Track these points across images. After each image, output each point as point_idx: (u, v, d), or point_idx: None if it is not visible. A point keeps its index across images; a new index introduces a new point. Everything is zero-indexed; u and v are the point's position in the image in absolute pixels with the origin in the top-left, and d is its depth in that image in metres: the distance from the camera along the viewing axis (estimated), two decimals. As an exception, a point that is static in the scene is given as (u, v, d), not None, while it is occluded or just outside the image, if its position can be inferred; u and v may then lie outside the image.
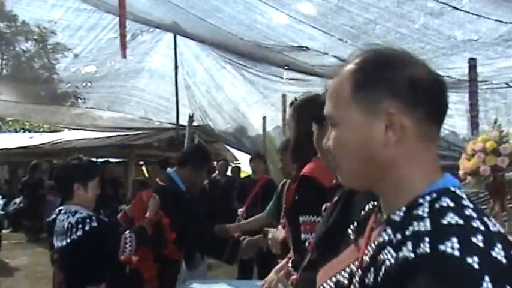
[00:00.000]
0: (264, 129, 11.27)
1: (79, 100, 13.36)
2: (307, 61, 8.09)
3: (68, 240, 3.21)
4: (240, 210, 8.07)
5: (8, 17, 10.46)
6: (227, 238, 4.23)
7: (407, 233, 1.00)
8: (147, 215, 3.72)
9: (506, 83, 7.24)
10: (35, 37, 11.47)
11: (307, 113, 2.01)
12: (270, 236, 3.27)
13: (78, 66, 10.95)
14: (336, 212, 1.79)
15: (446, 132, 8.60)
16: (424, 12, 5.72)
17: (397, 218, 1.06)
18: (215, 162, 13.48)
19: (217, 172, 11.12)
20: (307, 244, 2.03)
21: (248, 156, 11.93)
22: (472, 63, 6.62)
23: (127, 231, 3.52)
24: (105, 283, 3.34)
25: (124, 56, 6.20)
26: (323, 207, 2.01)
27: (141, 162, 18.14)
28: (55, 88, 12.84)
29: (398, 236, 1.03)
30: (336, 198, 1.86)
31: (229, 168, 12.16)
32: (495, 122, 3.87)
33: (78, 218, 3.24)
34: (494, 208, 3.80)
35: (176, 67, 10.84)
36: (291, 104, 2.70)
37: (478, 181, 3.71)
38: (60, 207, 3.45)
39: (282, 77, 9.58)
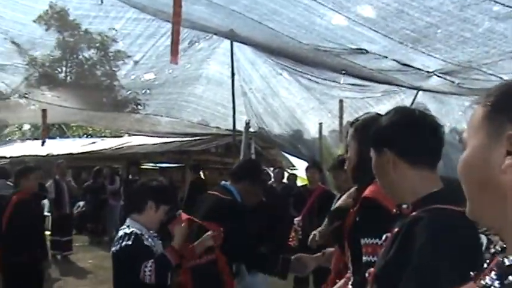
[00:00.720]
0: (320, 136, 11.22)
1: (139, 106, 13.62)
2: (365, 65, 7.99)
3: (113, 250, 3.37)
4: (296, 220, 8.08)
5: (71, 26, 10.79)
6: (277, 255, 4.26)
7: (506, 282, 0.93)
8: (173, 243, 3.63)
9: None
10: (97, 45, 11.78)
11: (369, 134, 2.04)
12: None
13: (137, 73, 11.19)
14: (395, 246, 1.78)
15: None
16: (489, 16, 5.57)
17: (507, 262, 0.99)
18: (271, 169, 13.56)
19: (272, 180, 11.15)
20: (367, 274, 1.99)
21: (304, 163, 11.96)
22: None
23: (150, 260, 3.39)
24: None
25: (175, 62, 6.26)
26: (383, 237, 1.99)
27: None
28: (116, 95, 13.16)
29: (497, 283, 0.96)
30: (396, 229, 1.85)
31: (286, 175, 12.18)
32: None
33: (126, 232, 3.36)
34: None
35: (233, 74, 10.91)
36: (352, 123, 2.74)
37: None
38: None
39: (339, 82, 9.51)
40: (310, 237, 4.24)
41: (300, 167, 14.36)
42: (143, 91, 12.44)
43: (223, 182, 4.45)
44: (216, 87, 12.09)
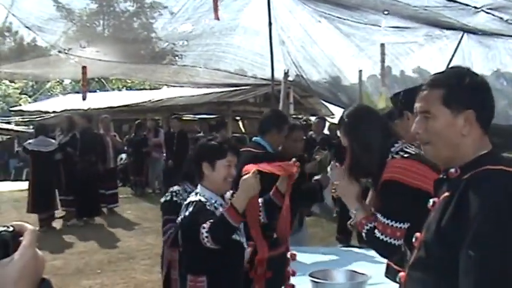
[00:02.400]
0: (360, 82, 11.06)
1: (177, 58, 13.59)
2: (409, 2, 7.72)
3: (179, 219, 3.21)
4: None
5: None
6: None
7: None
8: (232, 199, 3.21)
9: None
10: (133, -4, 11.75)
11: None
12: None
13: (174, 25, 11.10)
14: (449, 212, 1.75)
15: None
16: None
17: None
18: (312, 118, 13.46)
19: (312, 131, 11.06)
20: (414, 239, 1.97)
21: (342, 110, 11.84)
22: None
23: (208, 222, 3.05)
24: (207, 277, 3.10)
25: (217, 18, 6.23)
26: (430, 202, 1.94)
27: (237, 118, 18.40)
28: (154, 47, 13.15)
29: None
30: (446, 194, 1.82)
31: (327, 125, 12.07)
32: None
33: (191, 200, 3.17)
34: None
35: (270, 23, 10.76)
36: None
37: None
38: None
39: (380, 26, 9.28)
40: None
41: (339, 116, 14.26)
42: (181, 43, 12.39)
43: (254, 138, 4.46)
44: (253, 37, 11.94)
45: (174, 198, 4.08)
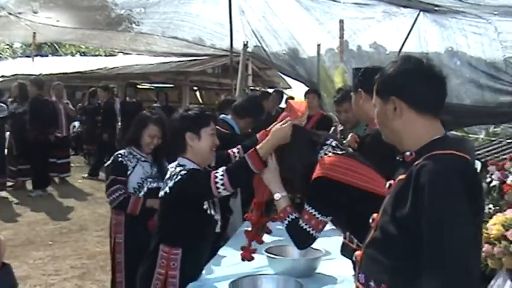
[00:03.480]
0: (318, 57, 11.07)
1: (133, 25, 13.29)
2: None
3: (163, 192, 3.06)
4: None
5: None
6: None
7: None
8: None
9: None
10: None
11: None
12: None
13: (132, -8, 10.89)
14: (402, 198, 1.81)
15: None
16: None
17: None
18: (270, 91, 13.42)
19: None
20: (371, 220, 2.03)
21: (301, 85, 11.86)
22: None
23: (221, 169, 2.98)
24: (182, 249, 3.06)
25: None
26: (387, 184, 2.01)
27: (195, 88, 18.22)
28: (109, 13, 12.82)
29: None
30: (401, 176, 1.89)
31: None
32: None
33: (181, 170, 2.99)
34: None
35: (230, -9, 10.60)
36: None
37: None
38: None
39: (339, 1, 9.30)
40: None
41: (296, 89, 14.28)
42: (138, 10, 12.11)
43: (223, 115, 4.39)
44: (213, 6, 11.76)
45: (120, 159, 4.07)
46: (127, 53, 17.45)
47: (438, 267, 1.68)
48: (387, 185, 2.02)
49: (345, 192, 2.53)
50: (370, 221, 2.04)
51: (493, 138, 8.58)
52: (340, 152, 2.72)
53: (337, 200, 2.55)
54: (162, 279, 3.02)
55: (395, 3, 8.99)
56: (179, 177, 2.95)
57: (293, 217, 2.64)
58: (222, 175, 2.87)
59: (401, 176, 1.88)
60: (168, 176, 3.06)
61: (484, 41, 9.03)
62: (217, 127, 4.02)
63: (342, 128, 4.35)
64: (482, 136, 9.23)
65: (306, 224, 2.57)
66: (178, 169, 3.01)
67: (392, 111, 1.93)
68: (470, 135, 9.15)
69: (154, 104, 13.70)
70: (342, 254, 2.97)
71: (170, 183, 2.99)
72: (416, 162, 1.83)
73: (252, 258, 3.06)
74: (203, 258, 3.25)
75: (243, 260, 3.05)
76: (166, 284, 3.01)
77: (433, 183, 1.72)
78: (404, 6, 9.13)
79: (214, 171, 2.92)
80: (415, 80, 1.91)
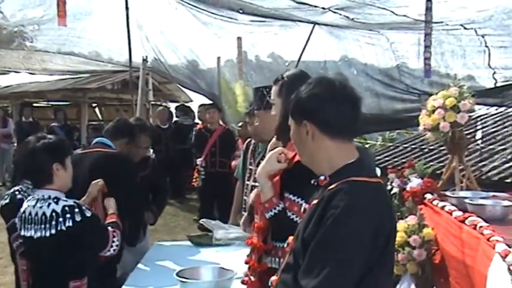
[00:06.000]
0: (218, 70, 11.18)
1: (27, 42, 12.84)
2: (262, 4, 8.00)
3: (53, 231, 2.95)
4: (198, 160, 8.14)
5: None
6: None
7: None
8: (110, 211, 3.45)
9: (461, 24, 7.31)
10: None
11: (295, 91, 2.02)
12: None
13: (25, 11, 10.52)
14: (313, 220, 1.82)
15: (406, 75, 8.73)
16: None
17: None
18: (171, 105, 13.38)
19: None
20: (286, 244, 2.04)
21: (201, 97, 11.93)
22: (429, 5, 6.66)
23: (109, 228, 3.22)
24: (88, 277, 3.11)
25: (64, 24, 5.94)
26: (301, 209, 2.06)
27: (94, 104, 17.82)
28: (0, 30, 12.34)
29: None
30: (315, 201, 1.90)
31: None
32: (455, 78, 3.93)
33: (65, 206, 2.98)
34: (452, 163, 3.92)
35: (127, 7, 10.51)
36: (277, 80, 2.66)
37: (437, 137, 3.81)
38: (31, 193, 3.22)
39: (236, 19, 9.46)
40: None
41: (197, 101, 14.29)
42: (31, 27, 11.73)
43: (99, 138, 4.36)
44: (110, 21, 11.59)
45: (19, 196, 3.62)
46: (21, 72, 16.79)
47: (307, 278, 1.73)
48: (302, 208, 2.04)
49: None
50: (285, 245, 2.04)
51: (390, 144, 9.03)
52: None
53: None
54: None
55: (290, 19, 9.27)
56: (76, 216, 2.97)
57: (280, 208, 2.45)
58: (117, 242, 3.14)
59: (315, 201, 1.88)
60: (61, 208, 2.99)
61: (377, 51, 9.45)
62: (99, 149, 4.08)
63: (254, 141, 4.37)
64: (379, 142, 9.67)
65: (292, 214, 2.43)
66: (67, 202, 3.00)
67: (305, 134, 1.90)
68: (368, 142, 9.56)
69: (53, 124, 13.27)
70: None
71: (71, 219, 2.96)
72: (330, 187, 1.83)
73: None
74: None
75: None
76: None
77: (344, 211, 1.72)
78: (300, 21, 9.42)
79: (112, 240, 3.14)
80: (326, 105, 1.87)
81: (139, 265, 3.94)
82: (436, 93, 3.78)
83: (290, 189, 2.47)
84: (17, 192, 3.65)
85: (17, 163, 3.92)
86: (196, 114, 11.67)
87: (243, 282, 2.68)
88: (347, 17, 8.09)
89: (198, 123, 9.50)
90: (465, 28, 7.34)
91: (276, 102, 2.65)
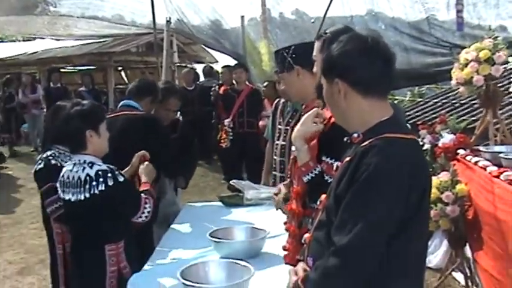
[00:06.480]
0: (242, 30, 11.06)
1: (51, 7, 12.83)
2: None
3: (87, 195, 2.99)
4: (226, 121, 8.13)
5: None
6: None
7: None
8: (144, 180, 3.43)
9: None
10: None
11: None
12: None
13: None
14: (346, 177, 1.81)
15: (436, 28, 8.50)
16: None
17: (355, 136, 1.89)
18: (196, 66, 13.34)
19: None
20: (318, 202, 2.03)
21: (227, 57, 11.85)
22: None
23: (143, 194, 3.22)
24: (124, 242, 3.13)
25: None
26: (334, 166, 2.02)
27: (120, 68, 17.87)
28: (24, -4, 12.36)
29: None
30: (347, 158, 1.88)
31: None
32: (489, 29, 3.81)
33: (98, 170, 3.01)
34: (486, 117, 3.84)
35: (149, -32, 10.42)
36: (320, 36, 2.58)
37: (470, 91, 3.72)
38: (72, 159, 3.20)
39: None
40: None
41: (222, 62, 14.20)
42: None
43: (125, 101, 4.35)
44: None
45: (53, 161, 3.60)
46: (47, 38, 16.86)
47: (339, 241, 1.73)
48: (334, 166, 2.03)
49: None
50: (318, 203, 2.04)
51: (420, 100, 8.88)
52: None
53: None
54: (115, 276, 3.06)
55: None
56: (109, 179, 3.00)
57: (317, 171, 2.41)
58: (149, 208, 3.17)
59: (347, 158, 1.87)
60: (96, 171, 3.03)
61: (406, 3, 9.22)
62: (126, 111, 4.08)
63: (283, 100, 4.31)
64: (408, 98, 9.53)
65: (329, 177, 2.37)
66: (103, 167, 3.05)
67: (338, 92, 1.88)
68: (396, 98, 9.42)
69: (80, 89, 13.35)
70: None
71: (104, 183, 2.99)
72: (363, 144, 1.82)
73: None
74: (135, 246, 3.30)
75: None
76: (121, 278, 3.05)
77: (378, 167, 1.71)
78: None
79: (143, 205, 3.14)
80: (358, 62, 1.84)
81: (172, 226, 3.98)
82: (469, 46, 3.67)
83: (327, 152, 2.42)
84: (50, 157, 3.63)
85: (47, 128, 3.88)
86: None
87: (284, 249, 2.68)
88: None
89: (221, 85, 9.42)
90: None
91: (318, 58, 2.55)
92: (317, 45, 2.61)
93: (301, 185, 2.51)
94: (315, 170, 2.42)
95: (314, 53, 2.62)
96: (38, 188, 3.70)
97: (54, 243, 3.73)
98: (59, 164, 3.53)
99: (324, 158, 2.44)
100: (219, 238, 3.17)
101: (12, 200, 9.17)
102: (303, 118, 2.50)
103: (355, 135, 1.89)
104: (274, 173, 4.20)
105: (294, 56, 2.90)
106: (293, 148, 2.52)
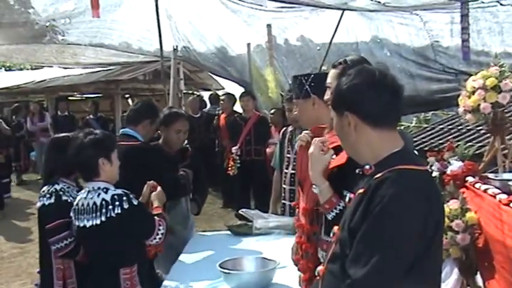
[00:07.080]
0: (248, 57, 11.14)
1: (59, 36, 12.97)
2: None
3: (103, 219, 3.05)
4: (234, 148, 8.14)
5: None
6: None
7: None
8: (155, 204, 3.50)
9: (497, 1, 7.13)
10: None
11: None
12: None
13: (56, 5, 10.63)
14: (361, 209, 1.82)
15: (441, 55, 8.56)
16: None
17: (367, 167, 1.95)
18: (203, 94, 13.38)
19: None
20: (331, 234, 2.05)
21: (233, 84, 11.92)
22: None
23: (156, 217, 3.30)
24: (137, 266, 3.20)
25: (97, 15, 5.98)
26: (347, 198, 2.04)
27: (127, 96, 17.98)
28: (32, 25, 12.48)
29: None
30: (360, 190, 1.88)
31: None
32: (495, 56, 3.82)
33: (114, 194, 3.09)
34: (494, 144, 3.83)
35: (156, -2, 10.55)
36: (339, 64, 2.60)
37: (478, 118, 3.71)
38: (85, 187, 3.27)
39: (265, 6, 9.42)
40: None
41: (229, 89, 14.26)
42: (62, 21, 11.84)
43: (122, 130, 4.35)
44: (139, 12, 11.65)
45: (64, 197, 3.51)
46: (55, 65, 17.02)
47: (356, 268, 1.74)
48: (347, 198, 2.03)
49: None
50: (331, 235, 2.05)
51: (426, 125, 8.89)
52: None
53: None
54: None
55: (318, 6, 9.17)
56: (124, 203, 3.08)
57: (341, 207, 2.41)
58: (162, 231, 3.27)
59: (361, 190, 1.88)
60: (110, 197, 3.10)
61: (411, 31, 9.30)
62: (122, 142, 3.96)
63: (291, 128, 4.31)
64: (413, 124, 9.55)
65: None
66: (117, 191, 3.12)
67: (348, 125, 1.91)
68: (402, 124, 9.43)
69: (88, 117, 13.44)
70: None
71: (118, 206, 3.06)
72: (376, 176, 1.83)
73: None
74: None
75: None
76: None
77: (392, 200, 1.73)
78: (329, 7, 9.30)
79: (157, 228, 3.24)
80: (366, 95, 1.87)
81: (181, 257, 3.98)
82: (476, 74, 3.68)
83: (347, 186, 2.38)
84: (61, 192, 3.53)
85: (48, 160, 3.73)
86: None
87: (294, 260, 2.73)
88: (378, 1, 7.95)
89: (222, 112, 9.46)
90: (501, 4, 7.15)
91: (333, 86, 2.50)
92: (333, 71, 2.62)
93: (310, 203, 2.55)
94: (339, 205, 2.42)
95: (329, 80, 2.64)
96: (42, 223, 3.57)
97: (52, 281, 3.57)
98: (69, 200, 3.47)
99: (345, 193, 2.41)
100: (228, 269, 3.16)
101: (19, 228, 9.17)
102: (310, 157, 2.50)
103: (367, 167, 1.92)
104: (283, 201, 4.21)
105: (312, 84, 2.88)
106: (313, 187, 2.49)
